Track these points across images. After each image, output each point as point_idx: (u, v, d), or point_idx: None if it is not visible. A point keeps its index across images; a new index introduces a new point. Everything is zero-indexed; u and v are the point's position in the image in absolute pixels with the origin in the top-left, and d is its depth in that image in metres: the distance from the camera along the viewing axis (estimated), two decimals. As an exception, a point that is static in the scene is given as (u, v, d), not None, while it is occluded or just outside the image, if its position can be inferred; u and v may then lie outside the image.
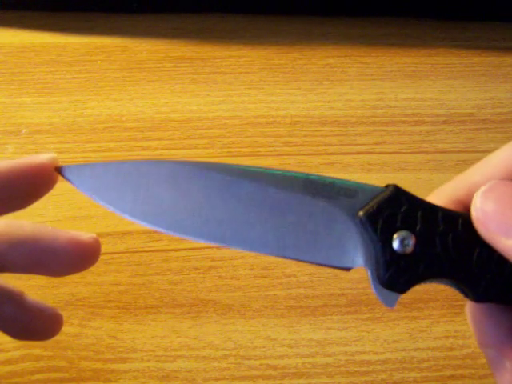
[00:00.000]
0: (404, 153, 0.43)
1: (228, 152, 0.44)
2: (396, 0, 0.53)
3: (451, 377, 0.34)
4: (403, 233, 0.23)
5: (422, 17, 0.54)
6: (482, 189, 0.23)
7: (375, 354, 0.34)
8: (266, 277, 0.37)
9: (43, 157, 0.26)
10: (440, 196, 0.25)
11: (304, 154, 0.44)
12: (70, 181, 0.25)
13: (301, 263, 0.38)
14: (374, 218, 0.23)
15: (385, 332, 0.35)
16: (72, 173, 0.25)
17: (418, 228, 0.23)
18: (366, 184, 0.24)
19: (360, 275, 0.37)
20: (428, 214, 0.23)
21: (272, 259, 0.38)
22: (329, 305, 0.36)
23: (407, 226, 0.23)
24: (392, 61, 0.51)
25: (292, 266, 0.38)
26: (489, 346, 0.24)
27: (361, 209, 0.23)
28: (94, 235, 0.28)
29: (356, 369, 0.34)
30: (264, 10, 0.54)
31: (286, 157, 0.44)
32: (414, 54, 0.51)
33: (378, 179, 0.42)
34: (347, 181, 0.24)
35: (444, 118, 0.46)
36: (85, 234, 0.28)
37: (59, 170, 0.25)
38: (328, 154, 0.44)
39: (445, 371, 0.34)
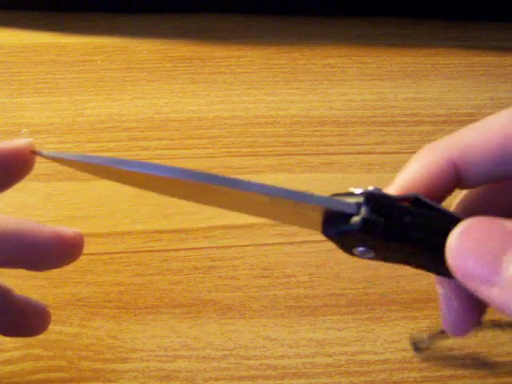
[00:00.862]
0: (404, 153, 0.43)
1: (228, 152, 0.44)
2: (396, 0, 0.53)
3: (451, 377, 0.34)
4: (365, 249, 0.22)
5: (422, 17, 0.54)
6: (458, 229, 0.20)
7: (375, 353, 0.34)
8: (266, 277, 0.37)
9: (19, 141, 0.26)
10: (433, 152, 0.24)
11: (304, 154, 0.44)
12: (51, 156, 0.25)
13: (300, 263, 0.38)
14: (337, 239, 0.22)
15: (385, 332, 0.35)
16: (50, 152, 0.25)
17: (381, 251, 0.22)
18: (336, 205, 0.22)
19: (360, 275, 0.37)
20: (397, 242, 0.22)
21: (272, 259, 0.38)
22: (329, 305, 0.36)
23: (371, 248, 0.22)
24: (392, 61, 0.51)
25: (292, 266, 0.38)
26: (444, 285, 0.24)
27: (324, 227, 0.22)
28: (78, 230, 0.28)
29: (356, 369, 0.34)
30: (264, 9, 0.54)
31: (285, 157, 0.44)
32: (413, 53, 0.51)
33: (378, 179, 0.42)
34: (317, 199, 0.22)
35: (444, 118, 0.46)
36: (68, 228, 0.28)
37: (38, 153, 0.26)
38: (328, 153, 0.44)
39: (445, 371, 0.34)
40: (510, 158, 0.23)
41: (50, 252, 0.27)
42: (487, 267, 0.19)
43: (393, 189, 0.24)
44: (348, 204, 0.22)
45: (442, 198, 0.24)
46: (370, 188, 0.22)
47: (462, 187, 0.24)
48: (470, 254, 0.20)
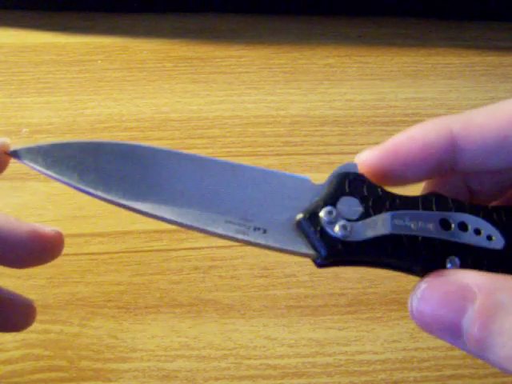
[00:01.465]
0: (404, 153, 0.43)
1: (228, 152, 0.44)
2: (396, 0, 0.53)
3: (451, 376, 0.34)
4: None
5: (422, 17, 0.54)
6: (417, 295, 0.22)
7: (375, 353, 0.34)
8: (266, 277, 0.37)
9: None
10: (435, 123, 0.23)
11: (304, 154, 0.44)
12: (26, 163, 0.24)
13: (300, 263, 0.38)
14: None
15: (385, 332, 0.35)
16: (25, 155, 0.24)
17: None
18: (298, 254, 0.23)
19: (360, 275, 0.37)
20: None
21: (272, 259, 0.38)
22: (329, 305, 0.36)
23: None
24: (392, 61, 0.51)
25: (292, 266, 0.38)
26: None
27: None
28: (57, 229, 0.27)
29: (356, 368, 0.34)
30: (264, 9, 0.54)
31: (285, 156, 0.44)
32: (414, 53, 0.51)
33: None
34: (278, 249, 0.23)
35: (444, 118, 0.46)
36: (47, 226, 0.27)
37: (12, 155, 0.25)
38: (328, 153, 0.44)
39: (445, 371, 0.34)
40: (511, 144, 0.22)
41: (27, 249, 0.27)
42: (448, 331, 0.21)
43: (381, 149, 0.24)
44: (308, 254, 0.22)
45: (434, 174, 0.24)
46: (336, 231, 0.22)
47: (458, 169, 0.24)
48: (431, 321, 0.21)
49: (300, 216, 0.22)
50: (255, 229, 0.23)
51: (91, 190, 0.23)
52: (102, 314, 0.36)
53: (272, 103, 0.47)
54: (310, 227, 0.22)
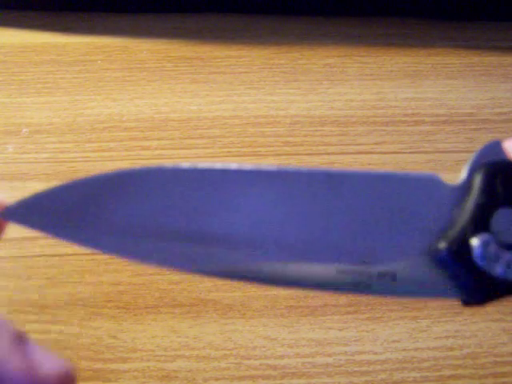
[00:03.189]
0: (404, 153, 0.43)
1: (228, 152, 0.44)
2: (396, 0, 0.53)
3: (451, 377, 0.34)
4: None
5: (422, 17, 0.54)
6: None
7: (375, 353, 0.34)
8: (265, 277, 0.37)
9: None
10: None
11: (304, 154, 0.44)
12: (16, 223, 0.19)
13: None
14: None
15: (385, 332, 0.35)
16: (15, 215, 0.19)
17: None
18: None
19: (360, 275, 0.37)
20: None
21: (272, 259, 0.38)
22: (329, 305, 0.36)
23: None
24: (392, 61, 0.51)
25: (292, 266, 0.38)
26: None
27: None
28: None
29: (356, 369, 0.34)
30: (264, 9, 0.54)
31: (285, 157, 0.44)
32: (414, 53, 0.51)
33: (378, 179, 0.42)
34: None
35: (444, 118, 0.46)
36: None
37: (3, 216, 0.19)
38: (328, 153, 0.44)
39: (445, 371, 0.34)
40: None
41: None
42: None
43: None
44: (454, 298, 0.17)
45: None
46: (498, 271, 0.16)
47: None
48: None
49: (442, 246, 0.16)
50: (380, 275, 0.16)
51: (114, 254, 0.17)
52: (101, 314, 0.36)
53: (272, 103, 0.47)
54: (459, 265, 0.16)
